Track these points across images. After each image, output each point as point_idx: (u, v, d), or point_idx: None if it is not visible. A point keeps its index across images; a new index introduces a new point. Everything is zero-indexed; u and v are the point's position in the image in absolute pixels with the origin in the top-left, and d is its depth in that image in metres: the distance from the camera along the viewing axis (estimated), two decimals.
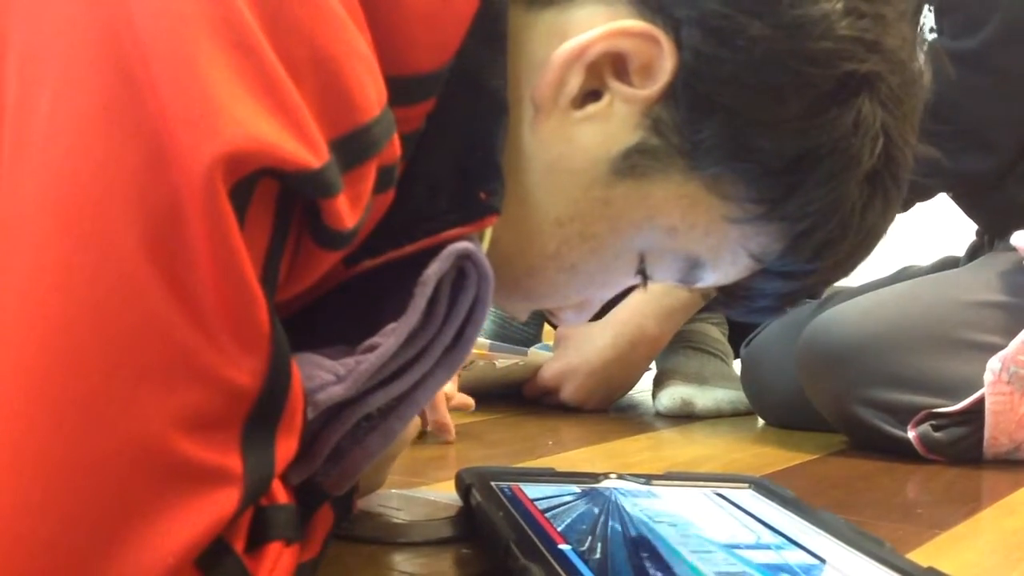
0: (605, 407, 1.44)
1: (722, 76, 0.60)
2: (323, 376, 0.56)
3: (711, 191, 0.63)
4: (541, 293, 0.68)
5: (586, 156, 0.63)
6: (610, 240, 0.65)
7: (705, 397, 1.41)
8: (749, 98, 0.61)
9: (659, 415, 1.41)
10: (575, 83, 0.62)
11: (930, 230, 1.79)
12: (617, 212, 0.64)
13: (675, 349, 1.50)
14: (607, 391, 1.44)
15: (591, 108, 0.63)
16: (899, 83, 0.63)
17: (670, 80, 0.61)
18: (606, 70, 0.62)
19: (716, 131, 0.61)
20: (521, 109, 0.63)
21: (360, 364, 0.57)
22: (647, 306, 1.39)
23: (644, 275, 0.68)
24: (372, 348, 0.58)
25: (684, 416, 1.40)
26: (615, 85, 0.62)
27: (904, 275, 1.37)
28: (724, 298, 0.71)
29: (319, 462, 0.59)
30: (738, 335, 1.54)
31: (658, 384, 1.46)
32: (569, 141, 0.63)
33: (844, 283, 1.36)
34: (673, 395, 1.41)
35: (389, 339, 0.57)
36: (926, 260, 1.42)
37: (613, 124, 0.63)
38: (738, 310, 0.72)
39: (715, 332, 1.54)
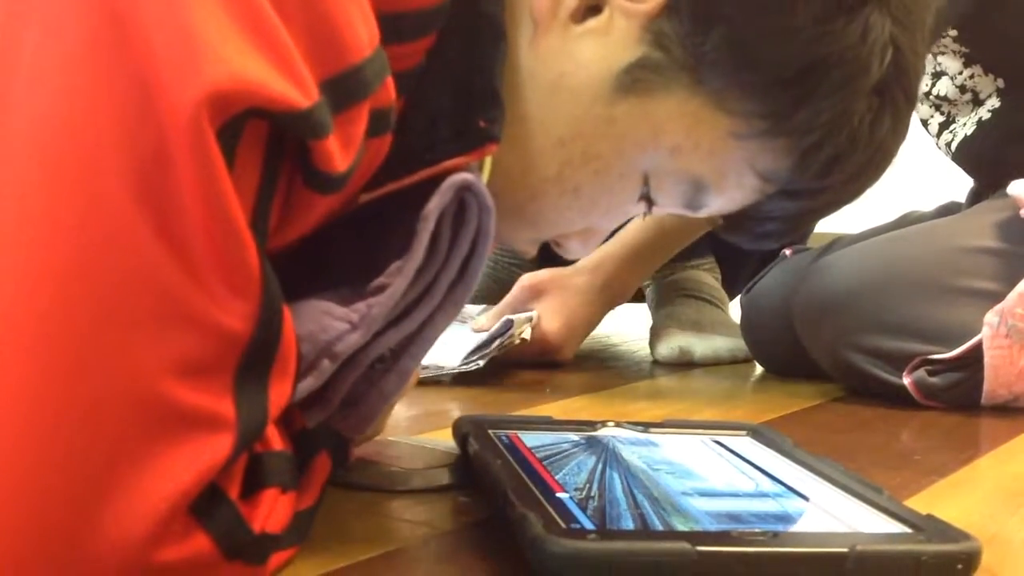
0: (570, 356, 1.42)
1: None
2: (337, 325, 0.56)
3: (716, 107, 0.62)
4: (545, 219, 0.67)
5: (587, 73, 0.62)
6: (613, 160, 0.64)
7: (703, 345, 1.40)
8: (753, 7, 0.60)
9: (656, 363, 1.41)
10: None
11: (932, 175, 1.78)
12: (620, 131, 0.63)
13: (670, 298, 1.49)
14: (584, 337, 1.42)
15: (591, 23, 0.62)
16: None
17: None
18: None
19: (720, 43, 0.60)
20: (519, 29, 0.62)
21: (372, 308, 0.57)
22: (616, 248, 1.36)
23: (648, 200, 0.67)
24: (381, 289, 0.57)
25: (683, 364, 1.39)
26: None
27: (906, 221, 1.36)
28: (731, 223, 0.70)
29: (334, 406, 0.59)
30: (729, 282, 1.53)
31: (655, 333, 1.45)
32: (569, 58, 0.62)
33: (845, 230, 1.36)
34: (671, 344, 1.41)
35: (397, 279, 0.57)
36: (929, 206, 1.41)
37: (613, 39, 0.62)
38: (745, 236, 0.70)
39: (709, 279, 1.53)
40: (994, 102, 1.27)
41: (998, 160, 1.28)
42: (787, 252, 1.37)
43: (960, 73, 1.28)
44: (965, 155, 1.32)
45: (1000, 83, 1.26)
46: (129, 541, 0.44)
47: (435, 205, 0.57)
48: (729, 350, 1.41)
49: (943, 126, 1.34)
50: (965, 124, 1.30)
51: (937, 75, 1.30)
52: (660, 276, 1.52)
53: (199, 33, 0.44)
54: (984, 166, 1.32)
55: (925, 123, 1.35)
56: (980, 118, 1.28)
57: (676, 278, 1.50)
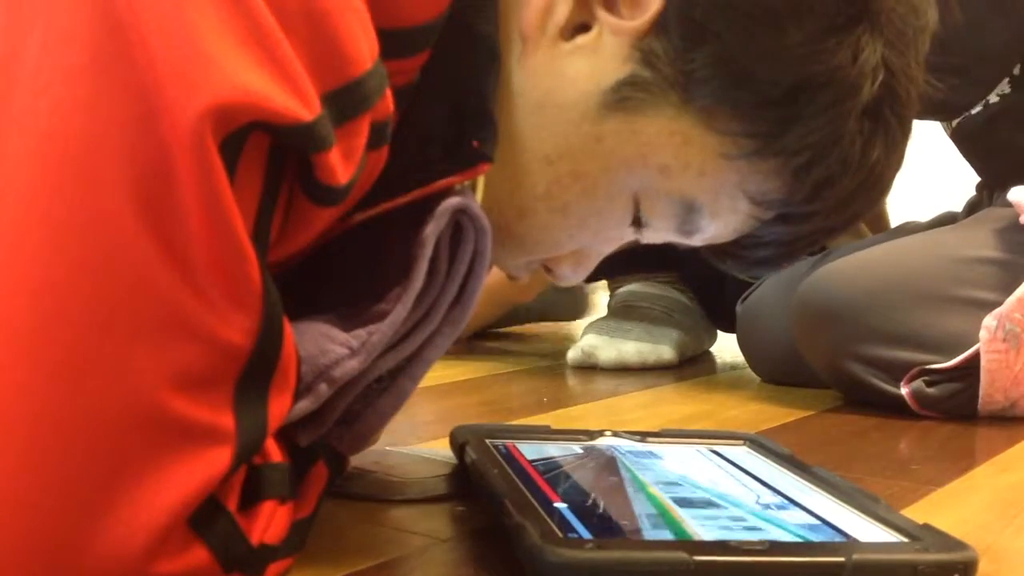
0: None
1: (716, 2, 0.59)
2: (337, 350, 0.56)
3: (705, 127, 0.61)
4: (533, 238, 0.67)
5: (575, 89, 0.62)
6: (602, 180, 0.64)
7: (609, 348, 1.41)
8: (744, 25, 0.59)
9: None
10: (562, 12, 0.61)
11: (929, 186, 1.78)
12: (608, 149, 0.63)
13: (609, 310, 1.54)
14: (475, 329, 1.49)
15: (580, 40, 0.62)
16: (902, 14, 0.62)
17: (660, 10, 0.60)
18: (595, 1, 0.61)
19: (709, 61, 0.60)
20: (509, 47, 0.62)
21: (372, 335, 0.57)
22: None
23: (640, 223, 0.66)
24: (381, 316, 0.57)
25: (589, 367, 1.41)
26: (603, 16, 0.61)
27: (902, 231, 1.36)
28: (723, 250, 0.70)
29: (329, 425, 0.59)
30: (708, 297, 1.56)
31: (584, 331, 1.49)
32: (558, 75, 0.62)
33: (842, 239, 1.36)
34: (578, 346, 1.43)
35: (397, 306, 0.57)
36: (925, 216, 1.42)
37: (602, 56, 0.61)
38: (739, 263, 0.70)
39: (658, 290, 1.54)
40: (1004, 87, 1.26)
41: (997, 144, 1.27)
42: None
43: None
44: (964, 134, 1.31)
45: (1016, 69, 1.25)
46: (128, 553, 0.44)
47: (432, 229, 0.57)
48: (638, 352, 1.42)
49: None
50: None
51: None
52: (610, 291, 1.59)
53: (202, 46, 0.44)
54: (982, 148, 1.31)
55: None
56: (987, 100, 1.27)
57: (621, 292, 1.56)
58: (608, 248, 0.70)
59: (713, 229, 0.66)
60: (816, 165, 0.62)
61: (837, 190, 0.63)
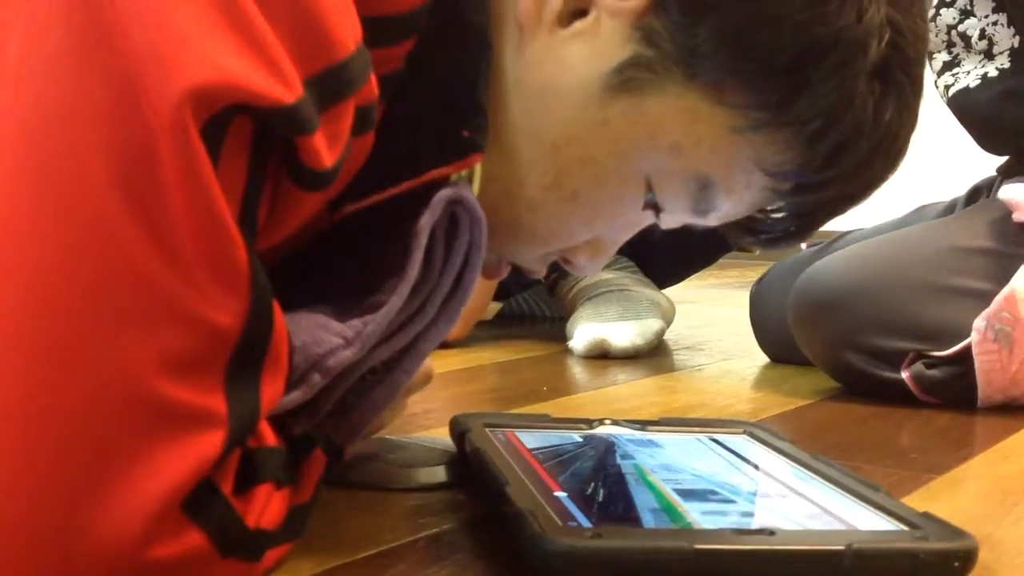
0: (464, 336, 1.47)
1: None
2: (331, 340, 0.56)
3: (713, 101, 0.60)
4: (546, 229, 0.66)
5: (577, 75, 0.61)
6: (611, 164, 0.63)
7: (619, 336, 1.41)
8: None
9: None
10: None
11: (943, 169, 1.78)
12: (615, 132, 0.62)
13: (585, 300, 1.52)
14: (465, 323, 1.46)
15: (578, 25, 0.61)
16: None
17: None
18: None
19: (711, 34, 0.59)
20: (505, 36, 0.62)
21: (367, 325, 0.57)
22: None
23: (655, 206, 0.65)
24: (376, 306, 0.57)
25: (600, 356, 1.40)
26: None
27: (919, 216, 1.36)
28: (740, 224, 0.69)
29: (322, 415, 0.59)
30: (641, 260, 1.56)
31: (572, 329, 1.46)
32: (558, 62, 0.61)
33: (855, 226, 1.36)
34: (586, 337, 1.41)
35: (392, 297, 0.57)
36: (943, 198, 1.42)
37: (602, 39, 0.61)
38: (759, 239, 0.69)
39: (602, 275, 1.54)
40: (1004, 61, 1.25)
41: (993, 117, 1.27)
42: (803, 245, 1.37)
43: (987, 16, 1.26)
44: (961, 103, 1.31)
45: (1016, 41, 1.24)
46: (122, 538, 0.44)
47: (426, 221, 0.57)
48: (642, 334, 1.42)
49: (947, 66, 1.32)
50: (969, 73, 1.29)
51: (966, 12, 1.28)
52: (569, 288, 1.56)
53: (181, 30, 0.45)
54: (977, 120, 1.31)
55: (930, 56, 1.33)
56: (986, 73, 1.27)
57: (574, 292, 1.54)
58: (624, 235, 0.70)
59: (729, 206, 0.65)
60: (829, 130, 0.60)
61: (853, 154, 0.61)
